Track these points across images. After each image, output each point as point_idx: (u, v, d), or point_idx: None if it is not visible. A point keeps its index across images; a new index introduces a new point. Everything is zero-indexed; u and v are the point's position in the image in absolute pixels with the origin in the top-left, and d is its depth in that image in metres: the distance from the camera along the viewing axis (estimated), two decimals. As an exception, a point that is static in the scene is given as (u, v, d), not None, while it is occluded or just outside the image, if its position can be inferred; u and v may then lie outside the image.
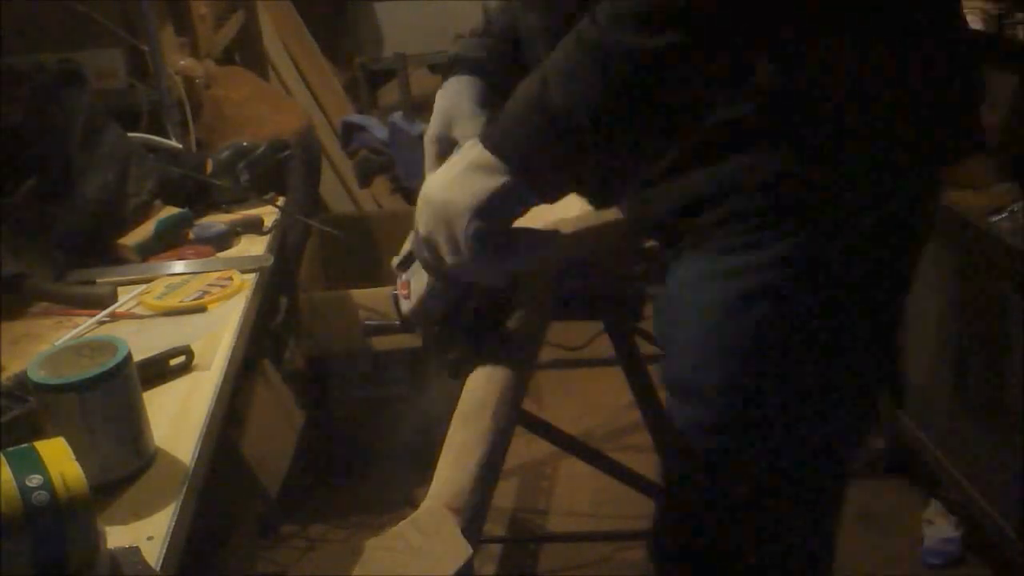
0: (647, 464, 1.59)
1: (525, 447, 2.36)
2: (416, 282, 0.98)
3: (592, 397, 2.72)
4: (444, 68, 1.13)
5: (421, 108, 3.22)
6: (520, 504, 2.39)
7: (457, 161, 0.88)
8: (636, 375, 1.45)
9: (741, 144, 0.94)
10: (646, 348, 2.04)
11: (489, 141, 0.86)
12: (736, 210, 0.96)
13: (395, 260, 1.03)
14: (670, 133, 0.86)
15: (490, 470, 0.86)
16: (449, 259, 0.88)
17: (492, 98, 1.07)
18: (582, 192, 0.86)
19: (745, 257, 0.96)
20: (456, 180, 0.86)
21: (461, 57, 1.12)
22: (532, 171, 0.84)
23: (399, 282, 1.01)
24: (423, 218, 0.90)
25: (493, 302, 0.99)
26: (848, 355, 0.99)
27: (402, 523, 0.79)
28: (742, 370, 0.99)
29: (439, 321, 0.98)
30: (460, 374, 0.97)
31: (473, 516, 0.81)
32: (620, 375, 1.49)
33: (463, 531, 0.78)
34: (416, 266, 0.97)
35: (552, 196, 0.88)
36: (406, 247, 1.02)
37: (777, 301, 0.96)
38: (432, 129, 1.07)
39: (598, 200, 0.89)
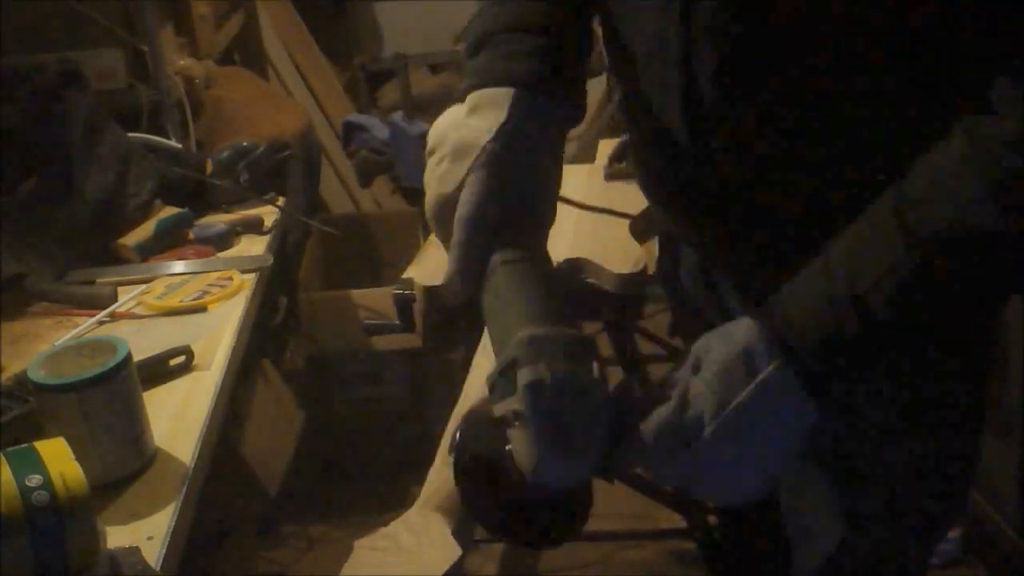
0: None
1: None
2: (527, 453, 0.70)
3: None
4: (459, 94, 0.88)
5: (421, 108, 3.22)
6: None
7: (739, 387, 0.69)
8: (635, 375, 1.45)
9: None
10: (646, 348, 2.05)
11: (801, 374, 0.69)
12: None
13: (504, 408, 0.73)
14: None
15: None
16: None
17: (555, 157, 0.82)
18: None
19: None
20: (745, 423, 0.69)
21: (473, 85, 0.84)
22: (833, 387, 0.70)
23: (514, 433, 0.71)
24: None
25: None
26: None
27: (393, 523, 0.79)
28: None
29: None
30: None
31: (465, 518, 0.81)
32: (621, 375, 1.49)
33: (454, 532, 0.78)
34: (527, 436, 0.70)
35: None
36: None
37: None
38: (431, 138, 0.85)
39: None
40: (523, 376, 0.68)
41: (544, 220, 0.80)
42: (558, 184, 0.80)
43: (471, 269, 0.77)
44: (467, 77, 0.87)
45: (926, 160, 0.68)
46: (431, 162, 0.82)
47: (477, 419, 0.75)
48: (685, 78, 0.78)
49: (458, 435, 0.74)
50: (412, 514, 0.80)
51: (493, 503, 0.74)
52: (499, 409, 0.70)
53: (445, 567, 0.74)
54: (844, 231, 0.71)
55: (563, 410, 0.68)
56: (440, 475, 0.85)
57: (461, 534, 0.78)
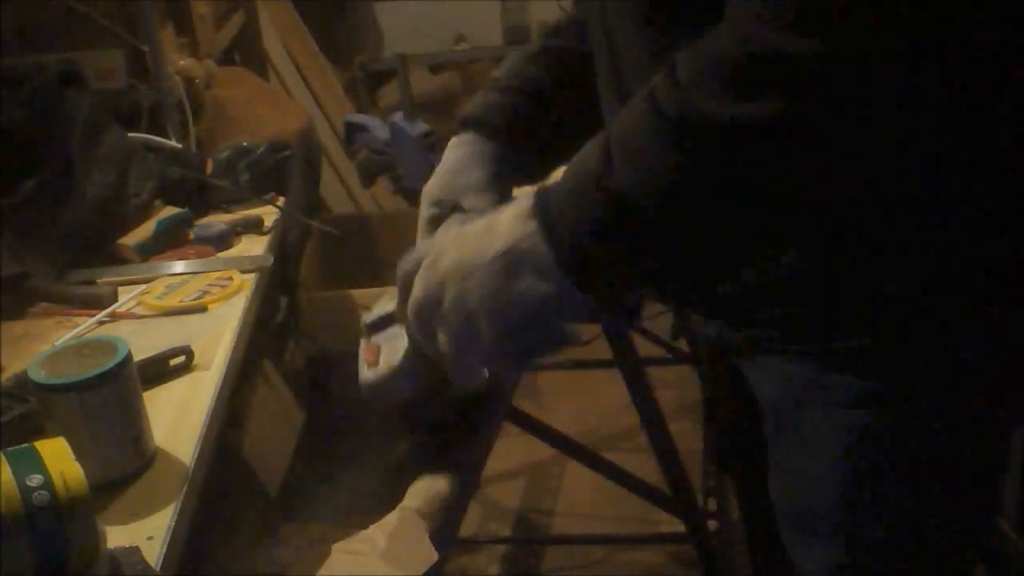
0: (650, 465, 1.59)
1: (531, 447, 2.36)
2: (388, 352, 0.85)
3: (595, 397, 2.72)
4: (456, 125, 0.97)
5: (421, 108, 3.22)
6: (526, 504, 2.39)
7: (487, 238, 0.72)
8: (634, 377, 1.45)
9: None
10: (645, 349, 2.05)
11: (538, 223, 0.69)
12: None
13: (366, 318, 0.90)
14: (774, 230, 0.70)
15: (468, 477, 0.86)
16: (452, 353, 0.75)
17: (506, 167, 0.94)
18: (650, 292, 0.73)
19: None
20: (489, 272, 0.70)
21: (473, 118, 0.96)
22: (589, 268, 0.68)
23: (365, 345, 0.88)
24: (427, 295, 0.75)
25: (468, 399, 0.87)
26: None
27: (372, 527, 0.79)
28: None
29: (402, 404, 0.88)
30: (401, 472, 0.89)
31: (445, 522, 0.81)
32: (620, 379, 1.49)
33: (432, 537, 0.78)
34: (391, 335, 0.85)
35: (611, 301, 0.73)
36: (382, 307, 0.89)
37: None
38: (432, 190, 0.94)
39: (672, 302, 0.76)
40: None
41: None
42: None
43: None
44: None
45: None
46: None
47: None
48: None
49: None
50: (391, 518, 0.80)
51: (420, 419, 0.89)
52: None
53: (422, 571, 0.74)
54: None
55: (376, 341, 0.87)
56: (423, 479, 0.85)
57: (440, 538, 0.78)
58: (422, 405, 0.87)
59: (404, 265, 0.80)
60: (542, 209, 0.70)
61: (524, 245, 0.70)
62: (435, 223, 0.92)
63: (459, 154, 0.94)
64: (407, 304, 0.78)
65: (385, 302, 0.89)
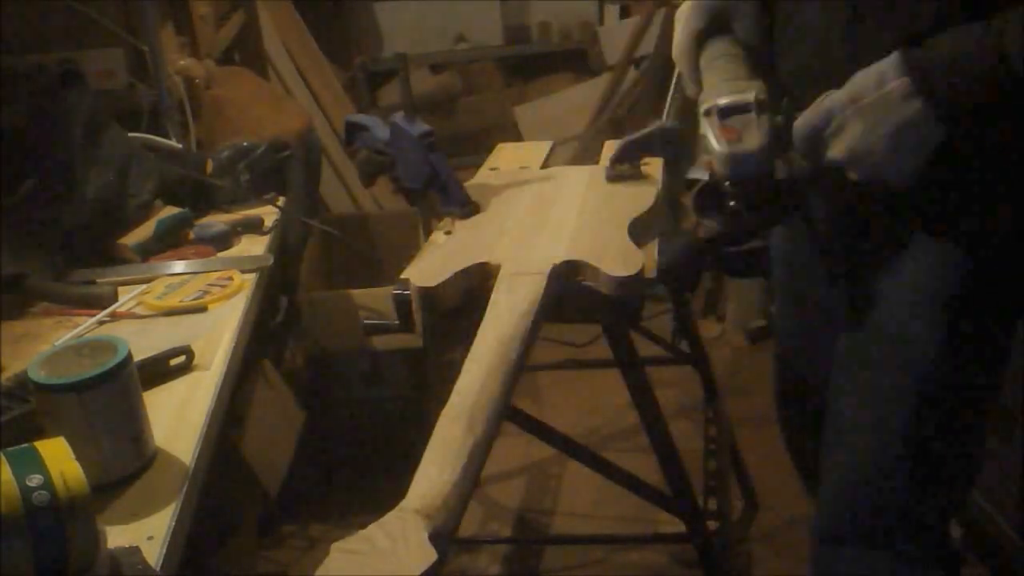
0: (650, 465, 1.59)
1: (532, 447, 2.36)
2: (751, 134, 1.07)
3: (595, 397, 2.72)
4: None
5: (421, 108, 3.21)
6: (526, 504, 2.39)
7: (894, 111, 0.99)
8: (634, 377, 1.45)
9: None
10: (645, 349, 2.05)
11: (936, 103, 0.97)
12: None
13: (711, 102, 1.11)
14: None
15: (468, 476, 0.86)
16: (856, 157, 1.03)
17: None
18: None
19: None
20: (899, 139, 1.00)
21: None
22: (964, 119, 0.98)
23: (718, 126, 1.09)
24: (844, 115, 1.03)
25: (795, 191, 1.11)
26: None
27: (371, 526, 0.79)
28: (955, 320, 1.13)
29: (768, 171, 1.08)
30: (747, 246, 1.13)
31: (444, 522, 0.81)
32: (620, 378, 1.49)
33: (431, 537, 0.78)
34: (747, 120, 1.08)
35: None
36: (731, 98, 1.10)
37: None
38: (696, 23, 1.20)
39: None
40: (708, 103, 1.11)
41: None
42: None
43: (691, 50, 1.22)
44: None
45: None
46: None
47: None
48: None
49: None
50: (391, 517, 0.80)
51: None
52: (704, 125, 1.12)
53: (420, 571, 0.74)
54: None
55: (730, 124, 1.09)
56: (423, 479, 0.84)
57: (438, 538, 0.78)
58: (765, 184, 1.08)
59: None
60: (926, 87, 0.97)
61: (917, 121, 0.98)
62: (701, 36, 1.20)
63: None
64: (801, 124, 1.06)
65: (724, 93, 1.11)
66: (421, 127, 1.42)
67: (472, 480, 0.87)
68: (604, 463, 1.62)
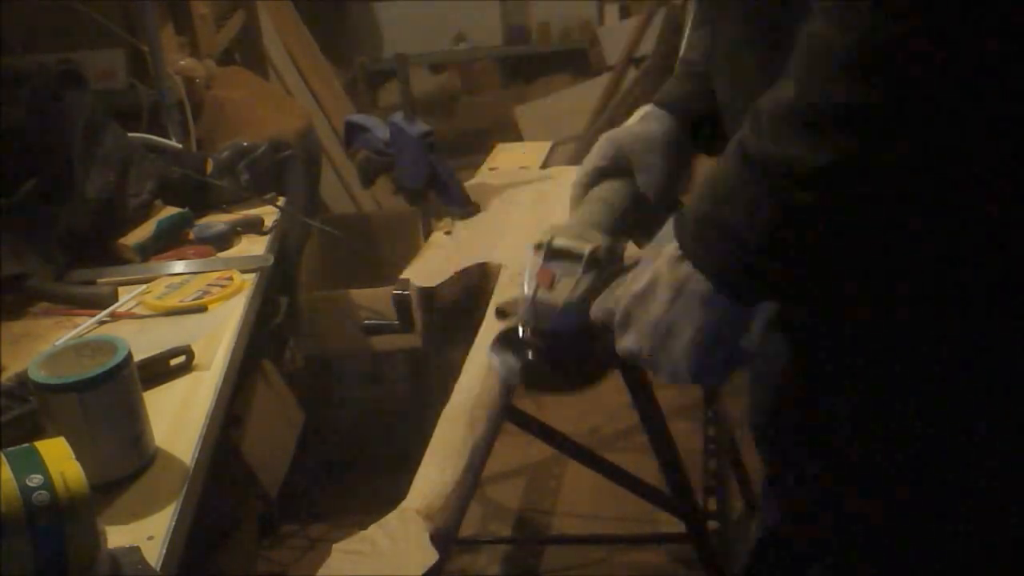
0: (650, 465, 1.59)
1: (531, 447, 2.36)
2: (565, 285, 0.93)
3: (595, 397, 2.72)
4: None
5: (421, 108, 3.21)
6: (526, 504, 2.39)
7: (663, 286, 0.79)
8: (633, 378, 1.45)
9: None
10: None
11: (691, 257, 0.77)
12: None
13: (549, 238, 0.96)
14: (876, 257, 0.73)
15: (469, 476, 0.86)
16: (641, 350, 0.83)
17: (687, 143, 1.06)
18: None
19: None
20: (673, 316, 0.78)
21: (663, 102, 1.07)
22: (740, 291, 0.76)
23: (538, 264, 0.96)
24: (626, 301, 0.83)
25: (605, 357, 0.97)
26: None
27: (372, 527, 0.79)
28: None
29: (561, 332, 0.95)
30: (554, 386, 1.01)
31: (445, 522, 0.81)
32: (619, 378, 1.49)
33: (432, 537, 0.78)
34: (569, 270, 0.94)
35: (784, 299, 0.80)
36: (568, 241, 0.95)
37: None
38: (597, 160, 1.05)
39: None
40: (543, 238, 0.95)
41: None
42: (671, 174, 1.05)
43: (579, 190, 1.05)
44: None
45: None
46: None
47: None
48: None
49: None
50: (392, 518, 0.80)
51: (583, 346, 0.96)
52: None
53: (421, 571, 0.74)
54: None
55: (552, 267, 0.93)
56: (424, 479, 0.84)
57: (439, 539, 0.78)
58: (569, 342, 0.95)
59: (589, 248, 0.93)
60: (688, 249, 0.77)
61: (686, 288, 0.77)
62: (599, 175, 1.05)
63: (646, 126, 1.05)
64: (598, 284, 0.91)
65: (568, 235, 0.96)
66: (421, 127, 1.42)
67: (472, 480, 0.87)
68: (604, 463, 1.62)
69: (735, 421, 2.28)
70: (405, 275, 1.23)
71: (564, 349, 0.96)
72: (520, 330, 0.98)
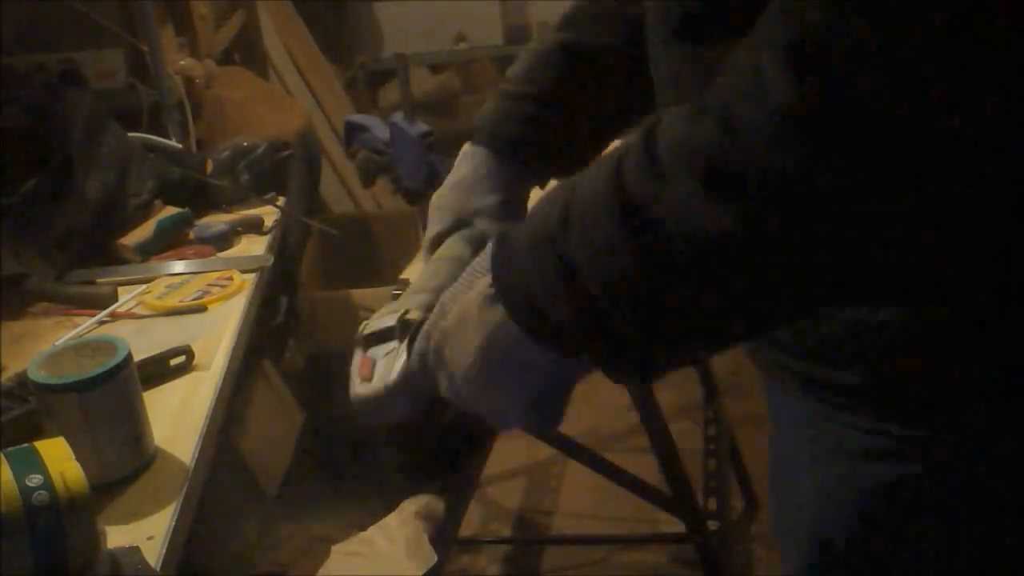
0: (650, 465, 1.59)
1: (531, 447, 2.36)
2: (385, 368, 0.81)
3: (595, 397, 2.72)
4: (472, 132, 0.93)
5: (421, 108, 3.20)
6: (526, 504, 2.39)
7: (466, 332, 0.67)
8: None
9: None
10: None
11: (514, 311, 0.63)
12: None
13: (363, 328, 0.85)
14: (749, 328, 0.60)
15: (467, 478, 0.86)
16: (461, 397, 0.71)
17: (520, 188, 0.91)
18: (608, 372, 0.63)
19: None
20: (487, 365, 0.66)
21: (487, 132, 0.91)
22: (556, 341, 0.62)
23: (359, 358, 0.84)
24: (435, 337, 0.72)
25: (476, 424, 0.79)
26: None
27: (371, 528, 0.79)
28: None
29: (397, 423, 0.83)
30: (398, 490, 0.88)
31: (445, 523, 0.81)
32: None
33: (431, 539, 0.78)
34: (389, 350, 0.81)
35: (586, 367, 0.65)
36: (382, 320, 0.84)
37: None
38: (443, 204, 0.91)
39: (632, 379, 0.65)
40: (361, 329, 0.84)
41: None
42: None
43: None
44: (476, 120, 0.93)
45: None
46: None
47: None
48: None
49: None
50: (391, 519, 0.80)
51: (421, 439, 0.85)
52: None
53: (421, 572, 0.74)
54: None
55: (372, 355, 0.81)
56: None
57: (439, 541, 0.78)
58: (412, 427, 0.82)
59: (410, 306, 0.80)
60: (503, 286, 0.64)
61: (498, 337, 0.64)
62: (441, 239, 0.90)
63: (472, 171, 0.91)
64: (412, 340, 0.77)
65: (385, 314, 0.84)
66: (421, 127, 1.42)
67: (474, 479, 0.87)
68: (604, 463, 1.62)
69: (735, 421, 2.29)
70: (405, 275, 1.23)
71: (417, 434, 0.83)
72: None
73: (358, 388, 0.81)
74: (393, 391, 0.78)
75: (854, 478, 0.71)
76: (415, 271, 1.23)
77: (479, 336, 0.66)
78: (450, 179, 0.92)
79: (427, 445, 0.84)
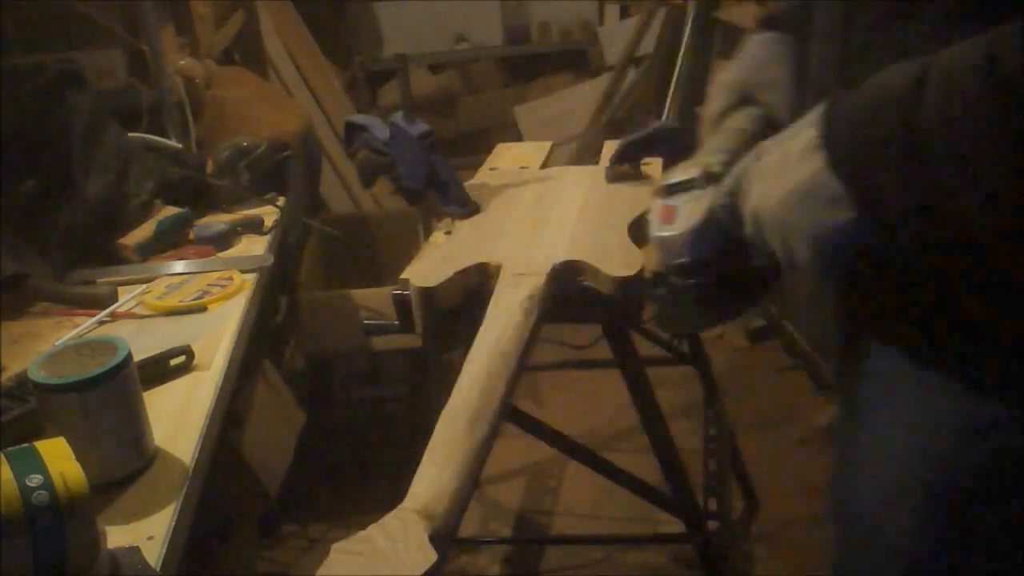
0: (650, 465, 1.59)
1: (531, 447, 2.35)
2: (687, 213, 0.92)
3: (595, 397, 2.72)
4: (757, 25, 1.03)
5: (421, 108, 3.20)
6: (526, 504, 2.39)
7: (782, 176, 0.75)
8: (634, 377, 1.45)
9: None
10: (645, 349, 2.05)
11: (836, 162, 0.71)
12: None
13: (664, 180, 0.96)
14: None
15: (468, 476, 0.86)
16: (761, 234, 0.80)
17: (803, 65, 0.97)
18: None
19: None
20: (794, 202, 0.74)
21: (775, 18, 0.99)
22: (884, 213, 0.69)
23: (660, 203, 0.95)
24: (749, 176, 0.81)
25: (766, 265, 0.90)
26: None
27: (371, 527, 0.79)
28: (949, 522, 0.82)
29: (695, 259, 0.93)
30: (687, 324, 1.00)
31: (444, 522, 0.81)
32: (620, 380, 1.49)
33: (431, 538, 0.77)
34: (692, 198, 0.92)
35: (898, 244, 0.72)
36: (681, 174, 0.95)
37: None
38: (731, 80, 1.00)
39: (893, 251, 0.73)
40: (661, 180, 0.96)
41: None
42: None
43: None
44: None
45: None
46: None
47: None
48: None
49: None
50: (391, 518, 0.80)
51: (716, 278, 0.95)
52: None
53: (421, 571, 0.74)
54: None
55: (670, 203, 0.93)
56: (423, 479, 0.84)
57: (439, 539, 0.78)
58: (710, 263, 0.93)
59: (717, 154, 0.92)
60: (831, 141, 0.72)
61: (814, 183, 0.72)
62: (723, 114, 1.00)
63: (760, 51, 0.99)
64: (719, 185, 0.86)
65: (681, 171, 0.95)
66: (421, 127, 1.42)
67: (472, 480, 0.87)
68: (604, 463, 1.62)
69: (735, 421, 2.29)
70: (405, 275, 1.23)
71: (696, 280, 0.94)
72: (662, 276, 0.97)
73: (660, 231, 0.93)
74: (698, 230, 0.91)
75: (968, 451, 0.79)
76: (415, 271, 1.23)
77: (794, 179, 0.74)
78: (738, 61, 1.01)
79: (722, 282, 0.94)
